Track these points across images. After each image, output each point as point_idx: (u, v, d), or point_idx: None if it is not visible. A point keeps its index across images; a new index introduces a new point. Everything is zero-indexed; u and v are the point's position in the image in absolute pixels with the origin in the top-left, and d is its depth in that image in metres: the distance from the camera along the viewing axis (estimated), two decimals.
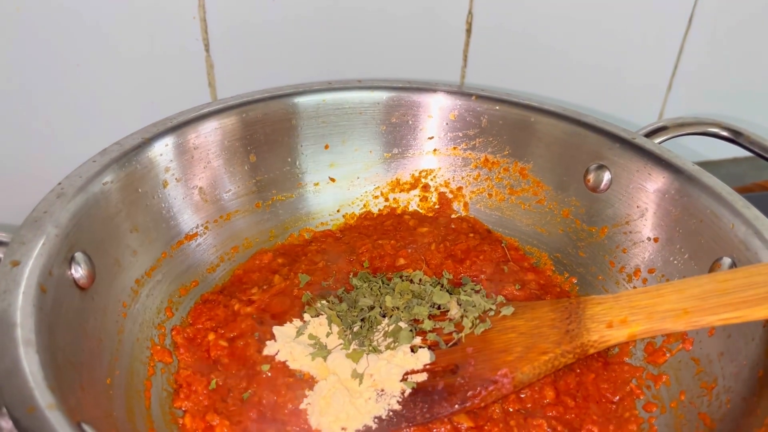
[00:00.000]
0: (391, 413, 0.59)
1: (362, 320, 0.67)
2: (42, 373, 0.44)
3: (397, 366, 0.61)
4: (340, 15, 0.90)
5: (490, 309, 0.67)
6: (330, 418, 0.58)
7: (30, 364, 0.44)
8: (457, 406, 0.58)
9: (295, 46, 0.91)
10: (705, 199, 0.66)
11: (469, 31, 0.96)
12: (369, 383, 0.61)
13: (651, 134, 0.77)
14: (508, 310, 0.66)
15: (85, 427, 0.44)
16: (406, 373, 0.61)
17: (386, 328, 0.65)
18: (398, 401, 0.59)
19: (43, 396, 0.42)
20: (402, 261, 0.77)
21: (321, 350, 0.64)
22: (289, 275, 0.73)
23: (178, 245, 0.71)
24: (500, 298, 0.69)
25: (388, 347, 0.63)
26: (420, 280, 0.72)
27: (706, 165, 0.68)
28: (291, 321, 0.67)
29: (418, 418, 0.58)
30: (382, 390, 0.61)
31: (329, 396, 0.60)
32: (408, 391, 0.60)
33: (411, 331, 0.65)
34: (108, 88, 0.85)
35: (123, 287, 0.62)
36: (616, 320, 0.57)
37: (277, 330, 0.66)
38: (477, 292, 0.71)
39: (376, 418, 0.59)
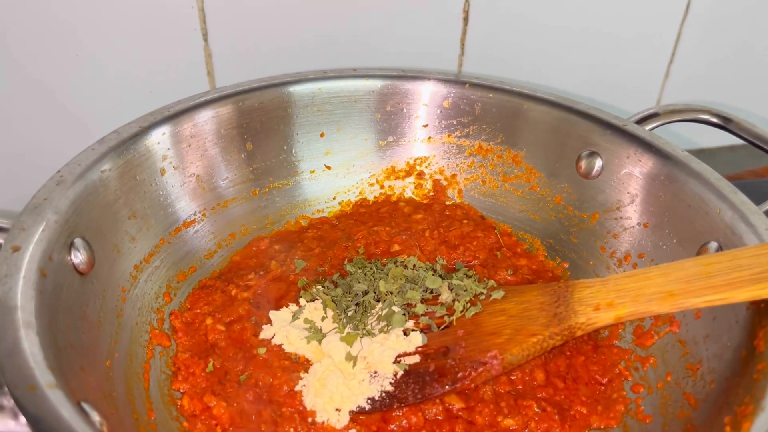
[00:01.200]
0: (383, 394, 0.60)
1: (356, 305, 0.68)
2: (42, 354, 0.45)
3: (390, 348, 0.63)
4: (338, 3, 0.90)
5: (481, 293, 0.68)
6: (324, 399, 0.60)
7: (30, 345, 0.45)
8: (447, 387, 0.60)
9: (293, 34, 0.92)
10: (693, 185, 0.67)
11: (466, 19, 0.97)
12: (362, 365, 0.62)
13: (642, 121, 0.78)
14: (498, 294, 0.67)
15: (85, 406, 0.46)
16: (399, 356, 0.63)
17: (380, 312, 0.67)
18: (391, 383, 0.61)
19: (43, 375, 0.43)
20: (397, 247, 0.78)
21: (316, 334, 0.65)
22: (286, 261, 0.75)
23: (176, 232, 0.72)
24: (491, 283, 0.70)
25: (381, 330, 0.65)
26: (414, 265, 0.73)
27: (702, 153, 0.69)
28: (287, 306, 0.69)
29: (410, 398, 0.60)
30: (376, 372, 0.62)
31: (324, 378, 0.61)
32: (400, 372, 0.61)
33: (404, 314, 0.66)
34: (107, 78, 0.86)
35: (122, 273, 0.64)
36: (603, 303, 0.58)
37: (273, 314, 0.67)
38: (469, 277, 0.72)
39: (369, 399, 0.60)
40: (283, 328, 0.66)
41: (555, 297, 0.62)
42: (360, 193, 0.86)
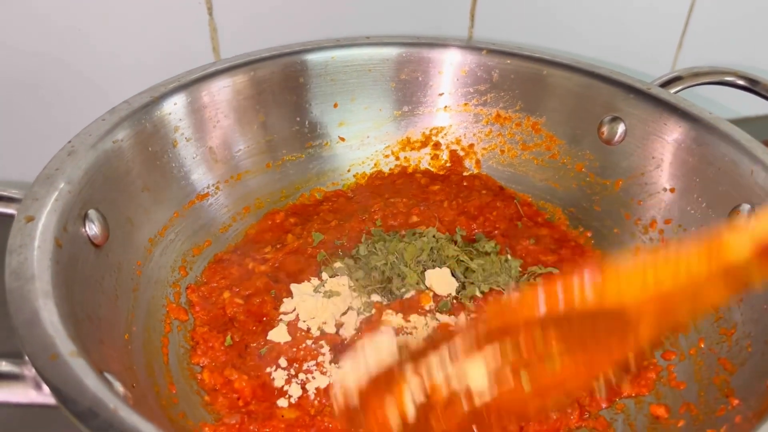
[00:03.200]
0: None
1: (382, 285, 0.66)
2: (62, 323, 0.43)
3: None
4: None
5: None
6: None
7: (50, 314, 0.43)
8: None
9: (301, 7, 0.89)
10: (723, 147, 0.65)
11: None
12: None
13: (665, 84, 0.76)
14: None
15: (108, 376, 0.44)
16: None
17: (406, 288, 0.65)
18: None
19: (64, 344, 0.42)
20: (415, 218, 0.76)
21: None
22: (302, 234, 0.73)
23: (189, 205, 0.70)
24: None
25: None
26: (434, 236, 0.71)
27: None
28: (308, 279, 0.67)
29: None
30: None
31: None
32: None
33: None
34: (110, 55, 0.84)
35: (137, 246, 0.62)
36: None
37: (294, 287, 0.66)
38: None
39: None
40: (304, 302, 0.64)
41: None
42: (375, 165, 0.84)
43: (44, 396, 0.40)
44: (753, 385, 0.50)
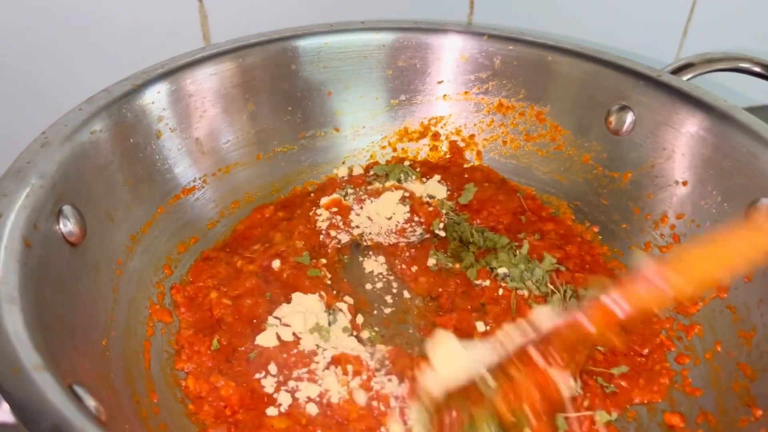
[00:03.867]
0: None
1: None
2: (27, 333, 0.40)
3: None
4: None
5: None
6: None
7: (14, 322, 0.40)
8: None
9: None
10: (740, 138, 0.61)
11: None
12: None
13: (677, 71, 0.72)
14: None
15: (78, 390, 0.41)
16: None
17: None
18: None
19: (28, 356, 0.38)
20: None
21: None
22: (289, 232, 0.69)
23: (175, 199, 0.67)
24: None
25: None
26: None
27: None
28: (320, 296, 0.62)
29: None
30: None
31: None
32: None
33: None
34: (97, 43, 0.80)
35: (117, 243, 0.58)
36: None
37: (297, 296, 0.61)
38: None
39: None
40: (302, 313, 0.60)
41: None
42: (371, 156, 0.80)
43: (4, 413, 0.37)
44: None
